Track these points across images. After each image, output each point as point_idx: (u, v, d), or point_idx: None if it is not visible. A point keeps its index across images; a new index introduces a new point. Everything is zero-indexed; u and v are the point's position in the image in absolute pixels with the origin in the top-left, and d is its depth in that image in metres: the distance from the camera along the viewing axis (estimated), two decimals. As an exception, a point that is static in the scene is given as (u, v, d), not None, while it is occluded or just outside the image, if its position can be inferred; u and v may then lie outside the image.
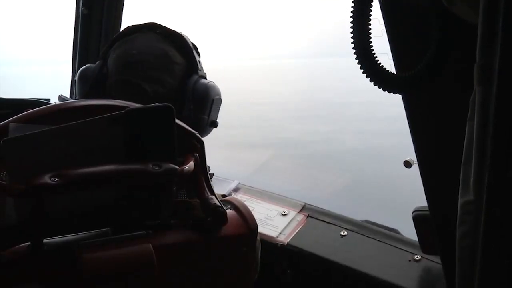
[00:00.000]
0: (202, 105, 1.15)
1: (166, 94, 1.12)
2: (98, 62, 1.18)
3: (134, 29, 1.19)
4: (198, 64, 1.19)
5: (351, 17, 0.82)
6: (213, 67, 1.35)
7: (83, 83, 1.18)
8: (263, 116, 8.85)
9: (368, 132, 7.05)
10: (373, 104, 7.66)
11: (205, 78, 1.19)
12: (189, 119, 1.11)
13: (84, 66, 1.21)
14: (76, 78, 1.20)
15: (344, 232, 1.57)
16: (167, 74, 1.13)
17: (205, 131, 1.19)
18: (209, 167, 0.96)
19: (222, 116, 1.22)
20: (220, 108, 1.22)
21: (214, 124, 1.21)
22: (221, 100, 1.21)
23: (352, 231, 1.57)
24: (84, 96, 1.18)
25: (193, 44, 1.22)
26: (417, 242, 1.38)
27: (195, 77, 1.16)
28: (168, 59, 1.14)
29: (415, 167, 1.16)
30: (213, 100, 1.17)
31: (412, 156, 1.20)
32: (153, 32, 1.18)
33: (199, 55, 1.23)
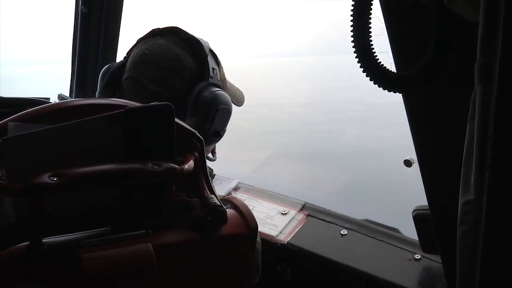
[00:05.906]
0: (205, 113, 1.11)
1: (171, 97, 1.09)
2: (122, 60, 1.20)
3: (157, 32, 1.19)
4: (212, 71, 1.14)
5: (351, 15, 0.82)
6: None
7: (101, 79, 1.20)
8: (304, 119, 7.67)
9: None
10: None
11: (217, 86, 1.15)
12: (191, 126, 1.09)
13: (110, 64, 1.23)
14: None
15: (344, 231, 1.57)
16: (176, 78, 1.12)
17: (207, 140, 1.13)
18: (210, 168, 0.94)
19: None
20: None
21: (218, 134, 1.15)
22: (230, 110, 1.15)
23: (352, 230, 1.57)
24: (101, 92, 1.20)
25: (211, 51, 1.19)
26: (418, 241, 1.37)
27: (203, 84, 1.12)
28: (179, 63, 1.13)
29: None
30: (217, 109, 1.11)
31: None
32: (175, 36, 1.17)
33: (217, 62, 1.19)
